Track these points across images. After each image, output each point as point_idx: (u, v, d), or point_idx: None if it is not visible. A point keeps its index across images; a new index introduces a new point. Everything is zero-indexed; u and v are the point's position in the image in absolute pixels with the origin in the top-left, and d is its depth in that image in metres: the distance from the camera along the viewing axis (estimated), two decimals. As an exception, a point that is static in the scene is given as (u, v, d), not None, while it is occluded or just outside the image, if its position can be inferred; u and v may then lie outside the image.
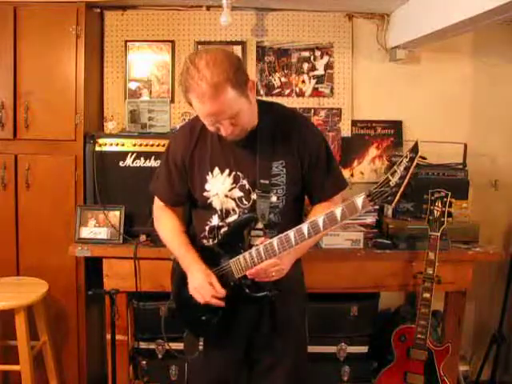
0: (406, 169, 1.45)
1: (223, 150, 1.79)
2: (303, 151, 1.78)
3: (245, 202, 1.78)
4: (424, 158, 1.49)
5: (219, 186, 1.79)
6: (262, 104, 1.82)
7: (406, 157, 1.46)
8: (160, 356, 2.83)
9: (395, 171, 1.47)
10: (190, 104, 1.64)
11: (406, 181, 1.45)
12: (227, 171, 1.78)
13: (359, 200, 1.52)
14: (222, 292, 1.73)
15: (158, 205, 1.96)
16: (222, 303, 1.74)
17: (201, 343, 1.89)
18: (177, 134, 1.96)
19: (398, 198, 1.47)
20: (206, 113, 1.61)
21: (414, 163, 1.45)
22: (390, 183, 1.47)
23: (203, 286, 1.75)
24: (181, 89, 1.64)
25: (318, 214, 1.62)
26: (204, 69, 1.55)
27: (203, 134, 1.81)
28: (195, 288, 1.78)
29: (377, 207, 2.81)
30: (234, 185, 1.78)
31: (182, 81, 1.61)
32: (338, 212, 1.55)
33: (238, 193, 1.78)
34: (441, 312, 2.90)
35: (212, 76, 1.54)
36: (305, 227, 1.60)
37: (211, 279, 1.75)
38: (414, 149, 1.47)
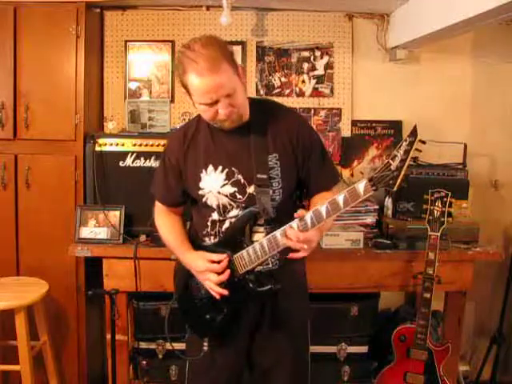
0: (406, 152, 1.45)
1: (216, 147, 1.80)
2: (296, 144, 1.79)
3: (239, 197, 1.78)
4: (423, 142, 1.48)
5: (212, 183, 1.80)
6: (253, 100, 1.84)
7: (406, 141, 1.46)
8: (160, 356, 2.83)
9: (395, 155, 1.47)
10: (188, 89, 1.67)
11: (406, 164, 1.45)
12: (220, 168, 1.79)
13: (361, 185, 1.52)
14: (224, 263, 1.74)
15: (157, 205, 1.99)
16: (224, 291, 1.74)
17: (205, 344, 1.88)
18: (172, 137, 1.98)
19: (399, 181, 1.46)
20: (205, 88, 1.62)
21: (414, 146, 1.45)
22: (391, 167, 1.46)
23: (206, 268, 1.76)
24: (177, 73, 1.68)
25: (320, 203, 1.62)
26: (200, 49, 1.61)
27: (196, 133, 1.84)
28: (201, 273, 1.79)
29: (377, 207, 2.82)
30: (227, 181, 1.79)
31: (179, 65, 1.66)
32: (340, 199, 1.55)
33: (230, 189, 1.79)
34: (441, 312, 2.90)
35: (209, 52, 1.60)
36: (308, 217, 1.60)
37: (207, 257, 1.77)
38: (413, 132, 1.47)
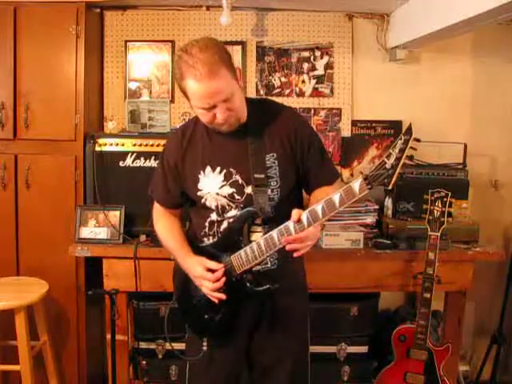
0: (401, 151, 1.46)
1: (214, 149, 1.80)
2: (295, 142, 1.79)
3: (237, 197, 1.78)
4: (418, 140, 1.49)
5: (211, 185, 1.80)
6: (252, 101, 1.84)
7: (401, 139, 1.47)
8: (160, 356, 2.84)
9: (390, 154, 1.48)
10: (186, 94, 1.67)
11: (401, 162, 1.46)
12: (219, 169, 1.79)
13: (356, 184, 1.52)
14: (219, 273, 1.73)
15: (156, 207, 1.98)
16: (222, 296, 1.74)
17: (204, 343, 1.88)
18: (170, 138, 1.97)
19: (394, 179, 1.47)
20: (203, 93, 1.62)
21: (409, 145, 1.46)
22: (386, 165, 1.47)
23: (201, 275, 1.76)
24: (175, 78, 1.68)
25: (319, 200, 1.61)
26: (197, 53, 1.59)
27: (194, 135, 1.84)
28: (197, 279, 1.80)
29: (377, 207, 2.82)
30: (225, 182, 1.79)
31: (177, 70, 1.65)
32: (336, 198, 1.55)
33: (228, 190, 1.79)
34: (441, 312, 2.90)
35: (207, 57, 1.59)
36: (304, 217, 1.60)
37: (205, 264, 1.76)
38: (408, 131, 1.48)
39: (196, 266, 1.79)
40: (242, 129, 1.76)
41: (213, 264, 1.76)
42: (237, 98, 1.67)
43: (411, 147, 1.47)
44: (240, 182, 1.78)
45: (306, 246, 1.64)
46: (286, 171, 1.79)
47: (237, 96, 1.67)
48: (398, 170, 1.46)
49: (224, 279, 1.74)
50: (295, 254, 1.64)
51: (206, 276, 1.75)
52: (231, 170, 1.78)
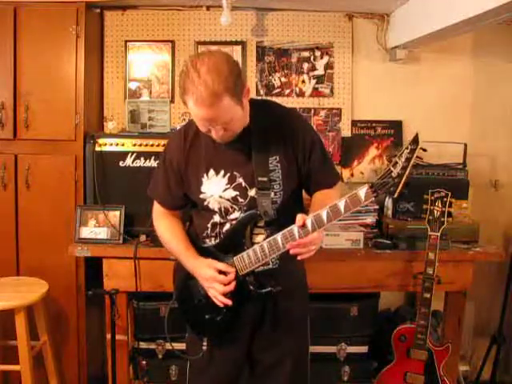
0: (407, 160, 1.49)
1: (217, 151, 1.79)
2: (297, 145, 1.79)
3: (240, 200, 1.78)
4: (424, 150, 1.52)
5: (214, 188, 1.80)
6: (255, 103, 1.82)
7: (407, 148, 1.50)
8: (160, 356, 2.83)
9: (396, 162, 1.51)
10: (185, 104, 1.66)
11: (407, 171, 1.49)
12: (222, 172, 1.79)
13: (362, 192, 1.54)
14: (232, 275, 1.74)
15: (157, 208, 1.97)
16: (228, 301, 1.75)
17: (204, 343, 1.88)
18: (172, 138, 1.96)
19: (400, 188, 1.50)
20: (200, 117, 1.63)
21: (415, 154, 1.49)
22: (392, 174, 1.50)
23: (213, 277, 1.75)
24: (178, 87, 1.66)
25: (322, 207, 1.61)
26: (205, 75, 1.55)
27: (197, 136, 1.82)
28: (206, 281, 1.79)
29: (377, 207, 2.82)
30: (229, 185, 1.79)
31: (181, 82, 1.62)
32: (341, 204, 1.57)
33: (232, 193, 1.78)
34: (441, 312, 2.90)
35: (212, 83, 1.54)
36: (308, 221, 1.61)
37: (215, 265, 1.76)
38: (415, 140, 1.51)
39: (206, 268, 1.78)
40: (245, 131, 1.75)
41: (224, 266, 1.76)
42: (236, 122, 1.66)
43: (417, 156, 1.50)
44: (243, 184, 1.78)
45: (310, 250, 1.65)
46: (289, 174, 1.79)
47: (236, 120, 1.66)
48: (403, 179, 1.49)
49: (234, 283, 1.74)
50: (299, 258, 1.66)
51: (218, 278, 1.75)
52: (235, 173, 1.78)
